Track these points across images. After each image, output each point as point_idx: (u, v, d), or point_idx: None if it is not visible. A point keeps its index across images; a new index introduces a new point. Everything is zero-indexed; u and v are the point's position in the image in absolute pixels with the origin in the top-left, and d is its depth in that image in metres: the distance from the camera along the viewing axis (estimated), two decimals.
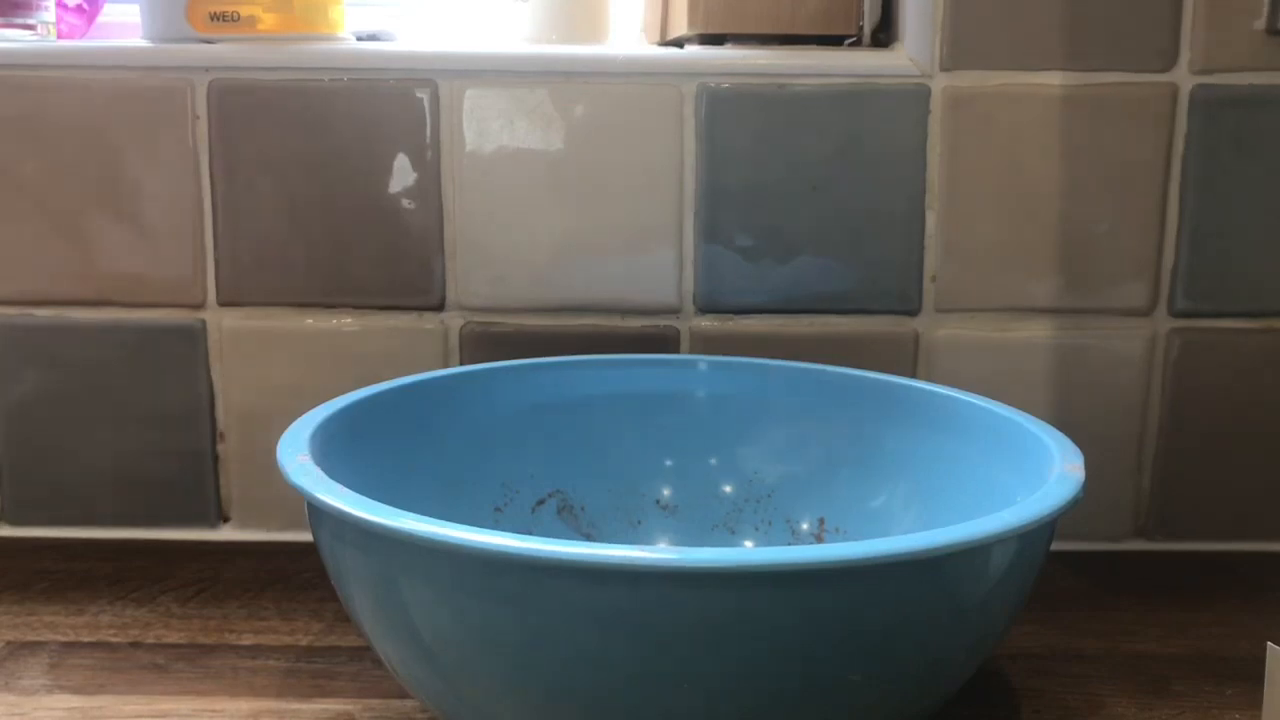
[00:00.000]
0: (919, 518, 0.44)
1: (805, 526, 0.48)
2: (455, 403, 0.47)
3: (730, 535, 0.49)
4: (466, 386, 0.48)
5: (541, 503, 0.48)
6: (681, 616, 0.28)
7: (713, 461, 0.50)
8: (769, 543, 0.48)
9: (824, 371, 0.49)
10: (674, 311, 0.55)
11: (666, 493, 0.50)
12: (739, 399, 0.50)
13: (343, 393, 0.43)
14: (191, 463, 0.56)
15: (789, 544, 0.48)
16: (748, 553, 0.28)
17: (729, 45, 0.55)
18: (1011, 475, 0.40)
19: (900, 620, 0.30)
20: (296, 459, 0.35)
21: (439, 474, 0.45)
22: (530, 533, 0.46)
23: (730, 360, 0.51)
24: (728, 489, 0.49)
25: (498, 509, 0.47)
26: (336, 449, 0.38)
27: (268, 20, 0.54)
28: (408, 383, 0.46)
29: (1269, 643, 0.33)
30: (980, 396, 0.45)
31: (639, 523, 0.49)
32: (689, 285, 0.55)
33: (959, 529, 0.30)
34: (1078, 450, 0.38)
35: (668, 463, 0.50)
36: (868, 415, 0.48)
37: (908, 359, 0.55)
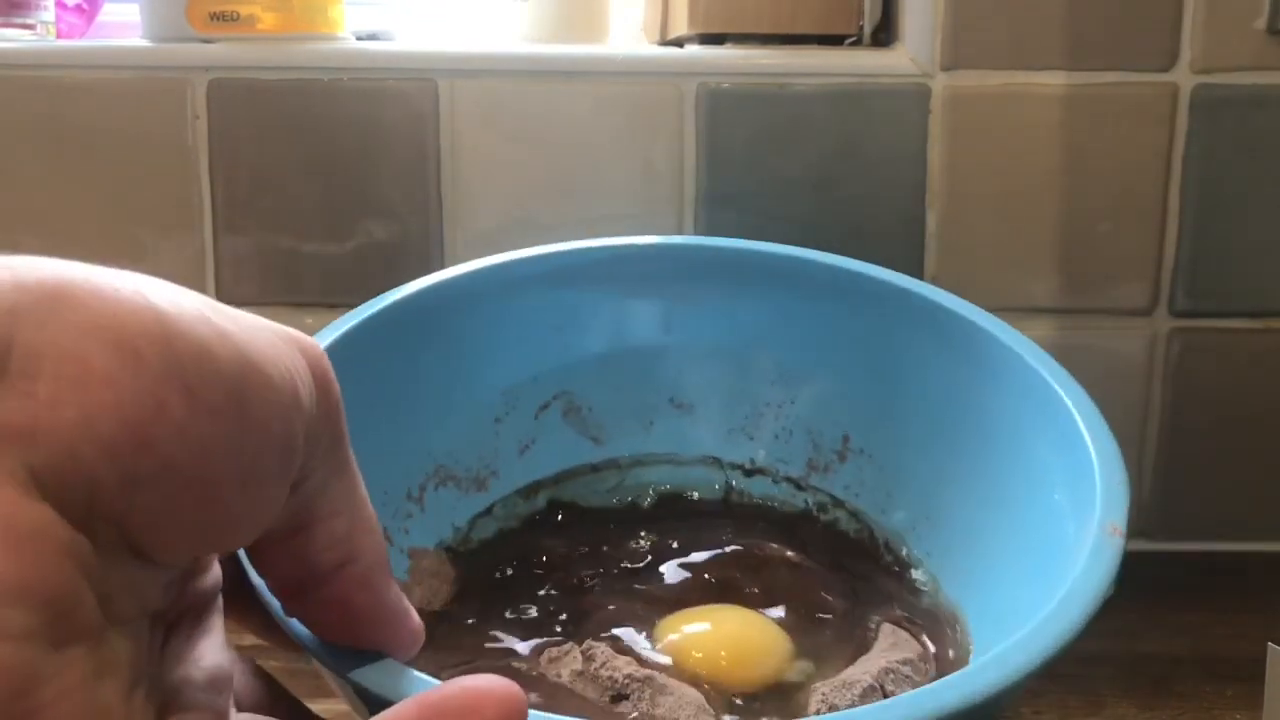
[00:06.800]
0: (942, 461, 0.41)
1: (828, 443, 0.44)
2: (448, 313, 0.42)
3: (749, 441, 0.45)
4: (458, 293, 0.42)
5: (546, 406, 0.44)
6: None
7: (733, 359, 0.45)
8: (788, 454, 0.44)
9: (865, 277, 0.43)
10: None
11: (681, 391, 0.45)
12: (766, 293, 0.44)
13: None
14: None
15: (809, 458, 0.44)
16: None
17: (729, 45, 0.55)
18: (1051, 456, 0.36)
19: None
20: None
21: (435, 391, 0.41)
22: (534, 441, 0.43)
23: (761, 248, 0.45)
24: (748, 390, 0.45)
25: (497, 419, 0.43)
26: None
27: (267, 20, 0.54)
28: (394, 301, 0.41)
29: (1269, 643, 0.33)
30: (1051, 361, 0.39)
31: (651, 424, 0.45)
32: None
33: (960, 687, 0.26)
34: (1124, 489, 0.33)
35: (683, 359, 0.45)
36: (912, 336, 0.42)
37: None
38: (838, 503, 0.44)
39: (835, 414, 0.44)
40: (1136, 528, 0.56)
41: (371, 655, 0.25)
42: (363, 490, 0.24)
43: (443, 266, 0.54)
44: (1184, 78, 0.53)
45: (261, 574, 0.24)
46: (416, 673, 0.25)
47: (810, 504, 0.44)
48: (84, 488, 0.18)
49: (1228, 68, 0.52)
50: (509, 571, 0.40)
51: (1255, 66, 0.52)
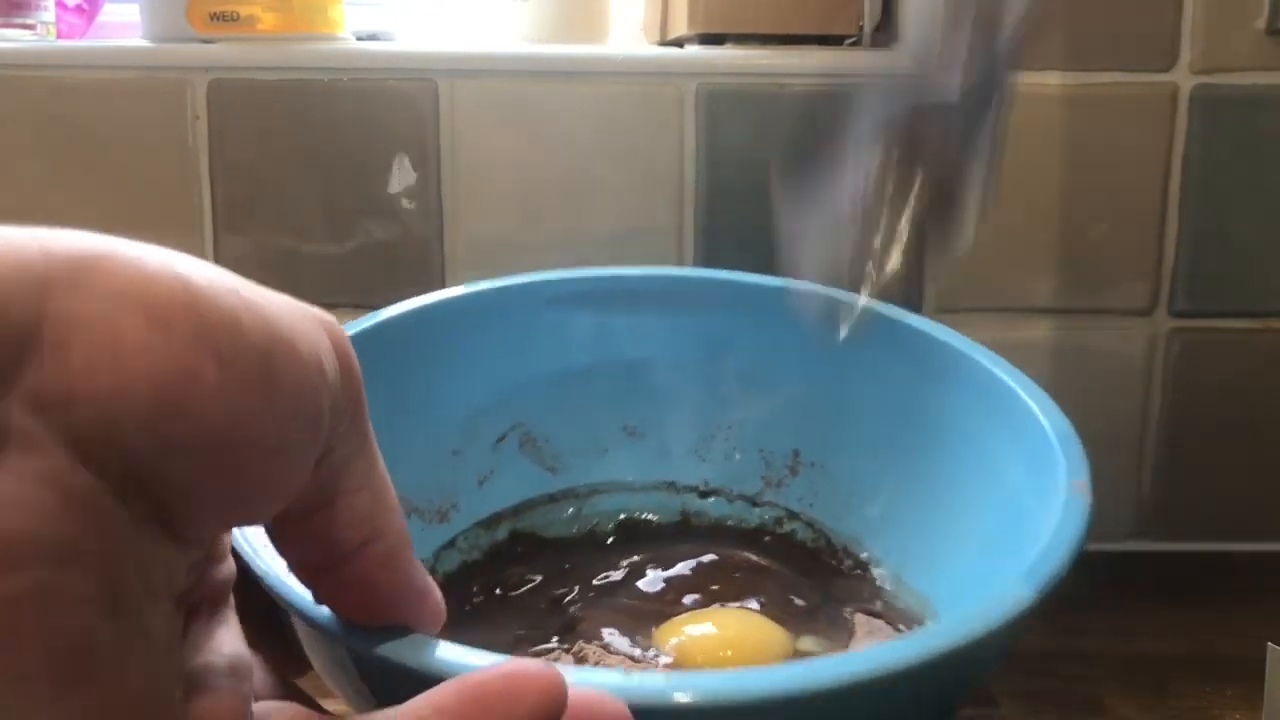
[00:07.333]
0: (894, 463, 0.42)
1: (779, 459, 0.45)
2: (403, 346, 0.42)
3: (701, 463, 0.46)
4: (412, 327, 0.43)
5: (503, 438, 0.45)
6: None
7: (682, 385, 0.46)
8: (741, 474, 0.45)
9: (802, 295, 0.44)
10: None
11: (634, 418, 0.46)
12: (711, 317, 0.45)
13: None
14: None
15: (762, 475, 0.45)
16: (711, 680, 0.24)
17: (729, 45, 0.55)
18: (1004, 440, 0.37)
19: None
20: None
21: (393, 423, 0.40)
22: (492, 472, 0.44)
23: (702, 274, 0.47)
24: (698, 413, 0.46)
25: (455, 452, 0.44)
26: None
27: (267, 20, 0.54)
28: (351, 335, 0.41)
29: (1269, 643, 0.33)
30: (994, 356, 0.40)
31: (605, 452, 0.46)
32: None
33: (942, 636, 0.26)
34: (1083, 457, 0.34)
35: (634, 386, 0.46)
36: (855, 348, 0.43)
37: None
38: (793, 515, 0.45)
39: (784, 430, 0.45)
40: (1136, 528, 0.56)
41: (398, 632, 0.25)
42: (384, 468, 0.24)
43: (443, 267, 0.55)
44: (1184, 78, 0.53)
45: (284, 553, 0.24)
46: (448, 644, 0.25)
47: (767, 519, 0.45)
48: (120, 457, 0.18)
49: (1228, 68, 0.52)
50: (480, 600, 0.40)
51: (1255, 66, 0.52)
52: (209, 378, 0.19)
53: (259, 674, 0.26)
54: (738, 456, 0.46)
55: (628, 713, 0.21)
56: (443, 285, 0.55)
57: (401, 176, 0.54)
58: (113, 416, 0.18)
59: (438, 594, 0.26)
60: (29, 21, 0.58)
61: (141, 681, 0.18)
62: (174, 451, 0.19)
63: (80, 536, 0.18)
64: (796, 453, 0.45)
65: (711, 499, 0.46)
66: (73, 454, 0.18)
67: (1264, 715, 0.34)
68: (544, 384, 0.45)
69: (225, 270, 0.21)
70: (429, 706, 0.20)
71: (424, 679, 0.23)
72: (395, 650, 0.25)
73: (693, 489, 0.46)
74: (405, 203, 0.54)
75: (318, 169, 0.54)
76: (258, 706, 0.23)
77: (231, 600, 0.25)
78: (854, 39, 0.55)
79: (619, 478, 0.46)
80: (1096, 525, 0.57)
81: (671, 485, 0.46)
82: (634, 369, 0.46)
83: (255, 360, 0.20)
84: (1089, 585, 0.51)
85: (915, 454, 0.41)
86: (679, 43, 0.57)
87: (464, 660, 0.24)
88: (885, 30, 0.55)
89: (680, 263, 0.55)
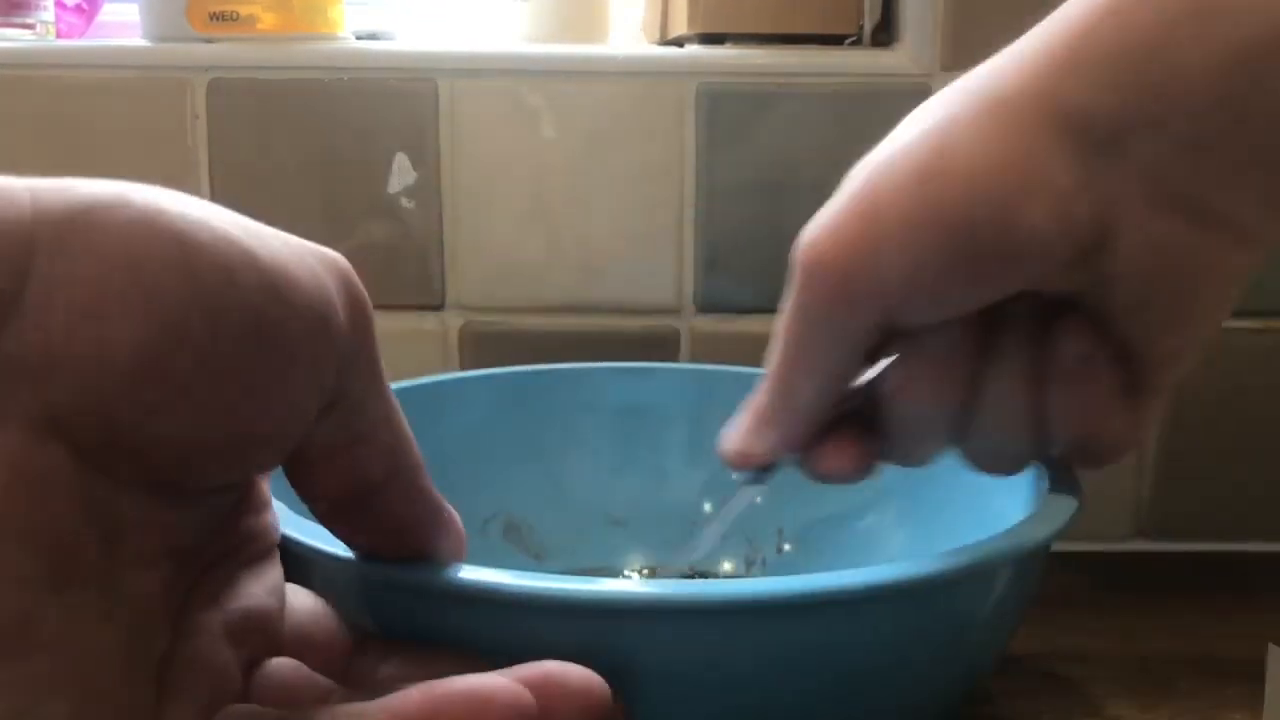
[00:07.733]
0: (876, 524, 0.43)
1: (763, 538, 0.47)
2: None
3: (684, 547, 0.48)
4: (413, 402, 0.45)
5: (488, 523, 0.46)
6: (658, 650, 0.26)
7: (664, 476, 0.48)
8: (725, 555, 0.47)
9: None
10: (674, 311, 0.55)
11: (617, 507, 0.48)
12: (690, 411, 0.48)
13: None
14: None
15: (745, 555, 0.47)
16: (734, 585, 0.27)
17: (729, 45, 0.55)
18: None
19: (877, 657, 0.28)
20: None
21: None
22: (478, 554, 0.45)
23: (681, 369, 0.50)
24: (681, 502, 0.47)
25: None
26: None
27: (267, 20, 0.54)
28: None
29: (1269, 643, 0.33)
30: None
31: (589, 539, 0.47)
32: (689, 285, 0.55)
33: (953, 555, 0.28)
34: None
35: (618, 477, 0.48)
36: None
37: None
38: None
39: (768, 512, 0.45)
40: (1136, 528, 0.56)
41: (428, 563, 0.26)
42: (396, 401, 0.24)
43: (442, 267, 0.55)
44: None
45: (306, 498, 0.24)
46: (489, 569, 0.26)
47: None
48: (100, 424, 0.18)
49: None
50: None
51: None
52: (197, 337, 0.18)
53: (318, 617, 0.25)
54: (722, 540, 0.47)
55: (600, 685, 0.21)
56: (442, 285, 0.55)
57: (401, 176, 0.54)
58: (92, 385, 0.18)
59: (459, 524, 0.26)
60: (29, 21, 0.58)
61: (91, 651, 0.18)
62: (160, 414, 0.18)
63: (30, 513, 0.17)
64: (780, 531, 0.46)
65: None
66: (42, 427, 0.18)
67: (1264, 715, 0.34)
68: (529, 475, 0.47)
69: (229, 214, 0.20)
70: (385, 713, 0.20)
71: (452, 596, 0.25)
72: (420, 574, 0.25)
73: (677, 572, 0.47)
74: (405, 203, 0.54)
75: (318, 169, 0.54)
76: (273, 663, 0.23)
77: (275, 551, 0.25)
78: (854, 39, 0.55)
79: (604, 562, 0.47)
80: (1096, 525, 0.57)
81: (655, 570, 0.47)
82: (618, 461, 0.48)
83: (248, 316, 0.19)
84: (1089, 585, 0.51)
85: (898, 505, 0.42)
86: (679, 42, 0.57)
87: (488, 580, 0.25)
88: (885, 30, 0.55)
89: (680, 262, 0.55)
